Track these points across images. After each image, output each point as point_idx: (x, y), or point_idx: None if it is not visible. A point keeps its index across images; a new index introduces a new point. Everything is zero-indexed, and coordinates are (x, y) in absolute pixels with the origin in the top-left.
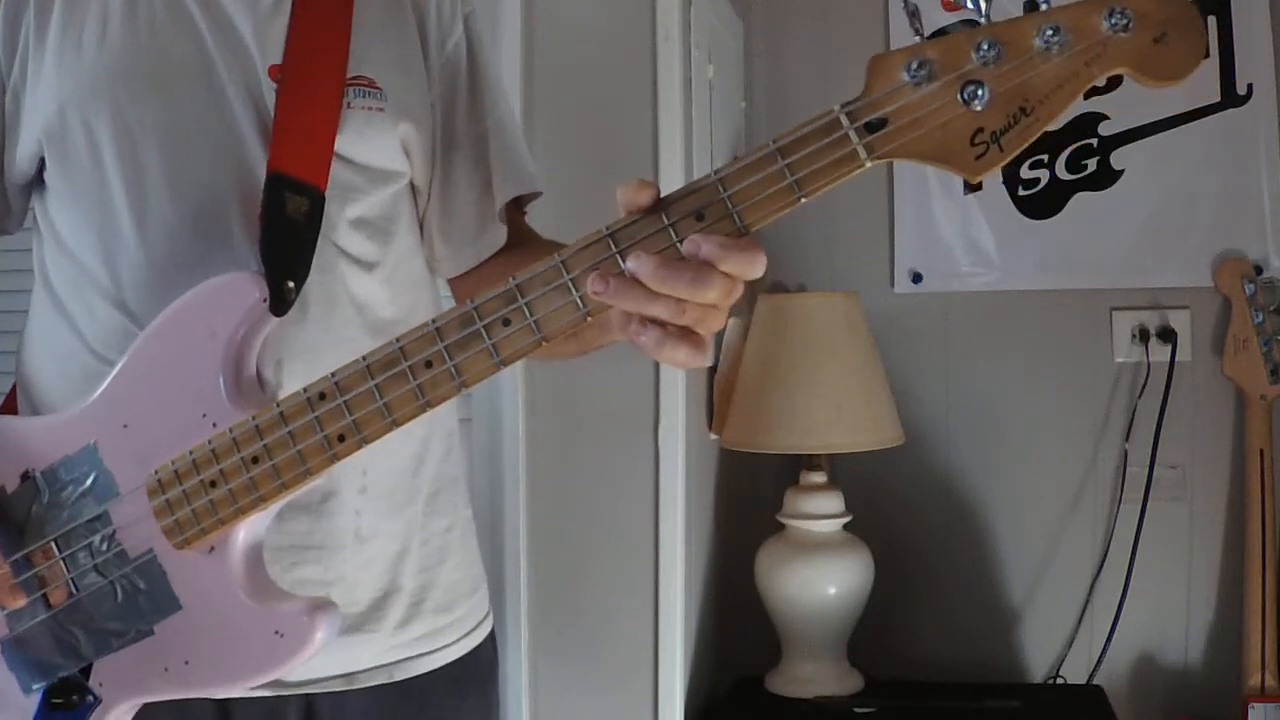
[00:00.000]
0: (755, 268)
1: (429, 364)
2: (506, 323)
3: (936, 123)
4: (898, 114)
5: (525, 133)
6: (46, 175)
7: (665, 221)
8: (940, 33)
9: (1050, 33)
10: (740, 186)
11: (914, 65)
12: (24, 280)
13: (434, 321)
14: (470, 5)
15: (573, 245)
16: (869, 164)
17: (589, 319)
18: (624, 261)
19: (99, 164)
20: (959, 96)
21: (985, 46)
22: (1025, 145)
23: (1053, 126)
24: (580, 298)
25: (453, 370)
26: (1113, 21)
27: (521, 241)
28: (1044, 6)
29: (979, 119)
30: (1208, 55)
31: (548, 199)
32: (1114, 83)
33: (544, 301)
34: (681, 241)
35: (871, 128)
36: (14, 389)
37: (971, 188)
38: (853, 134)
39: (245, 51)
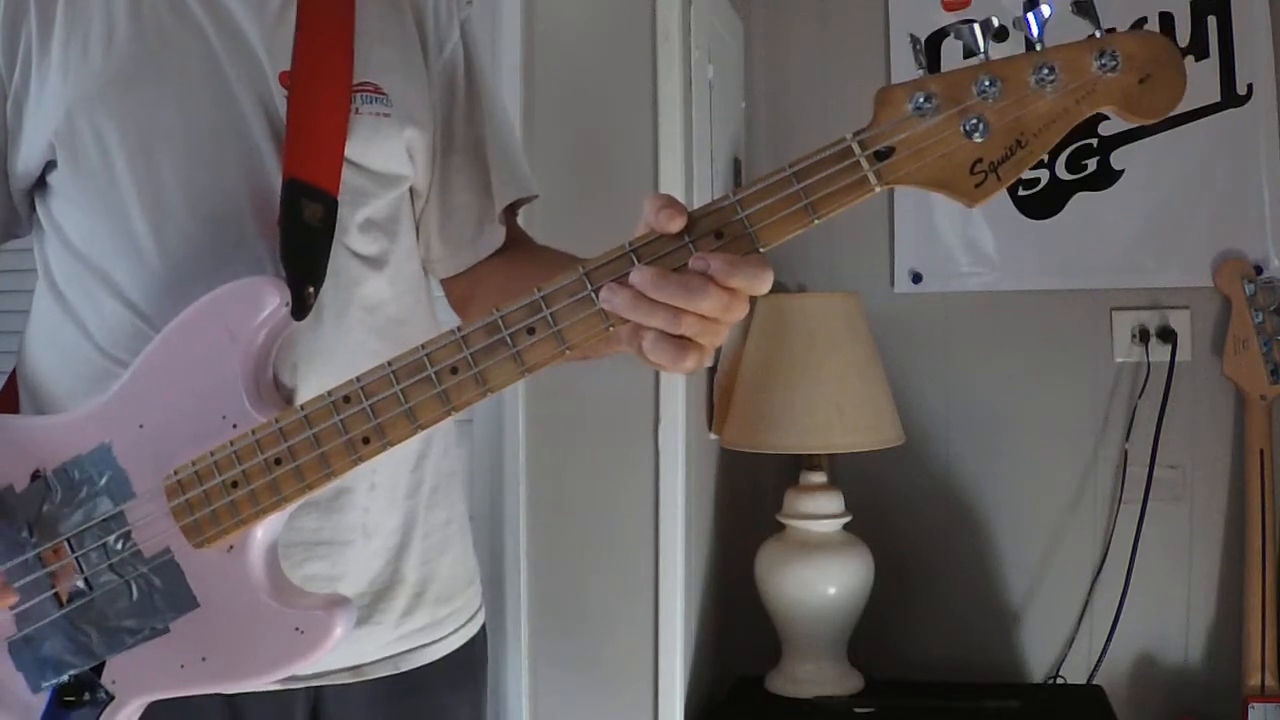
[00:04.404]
0: (762, 283)
1: (454, 370)
2: (531, 331)
3: (940, 152)
4: (904, 144)
5: (525, 133)
6: (52, 176)
7: (685, 239)
8: (940, 34)
9: (1045, 71)
10: (757, 208)
11: (920, 98)
12: (24, 280)
13: (459, 329)
14: (466, 10)
15: (597, 258)
16: (878, 189)
17: (611, 330)
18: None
19: (110, 168)
20: (961, 128)
21: (986, 83)
22: (1020, 175)
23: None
24: (604, 309)
25: (478, 376)
26: (1102, 62)
27: (515, 243)
28: (1039, 47)
29: (979, 150)
30: (1208, 56)
31: (548, 198)
32: None
33: (568, 312)
34: None
35: (880, 156)
36: (8, 387)
37: None
38: (864, 161)
39: (255, 58)
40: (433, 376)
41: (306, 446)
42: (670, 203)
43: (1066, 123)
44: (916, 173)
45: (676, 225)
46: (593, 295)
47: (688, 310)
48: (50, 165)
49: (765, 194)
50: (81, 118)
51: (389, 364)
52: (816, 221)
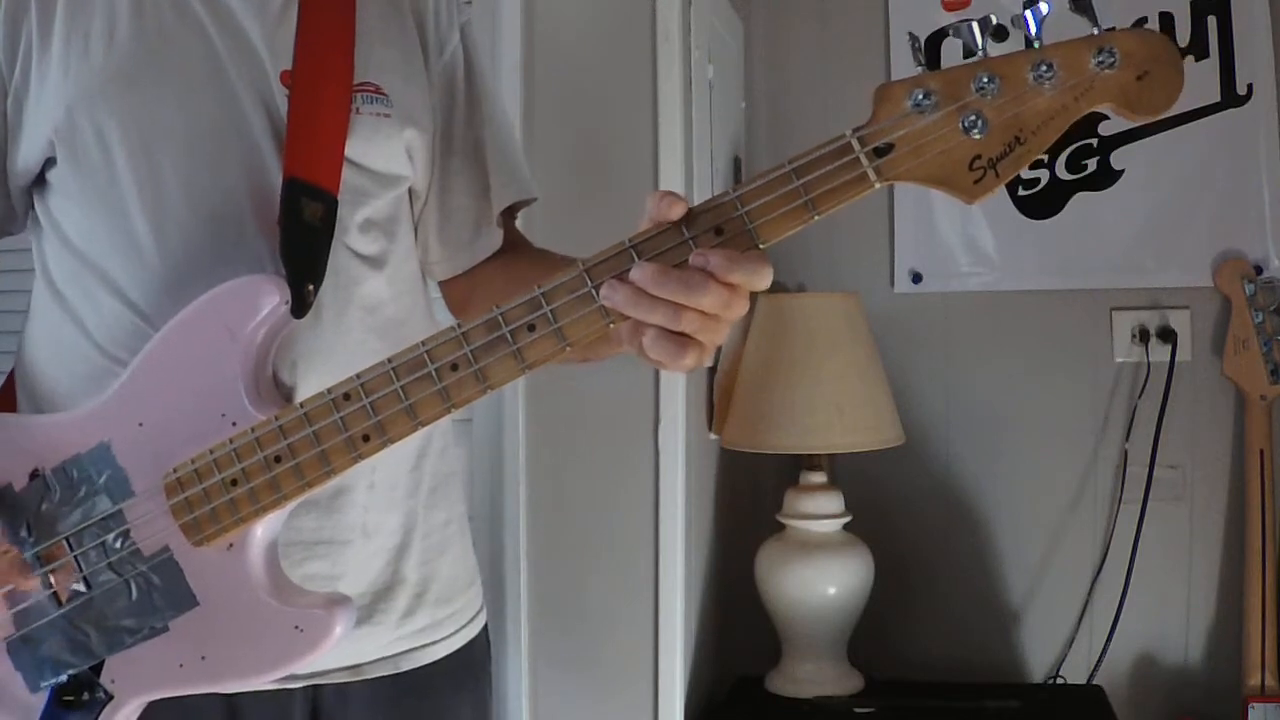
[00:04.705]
0: (762, 279)
1: (454, 367)
2: (531, 328)
3: (939, 149)
4: (903, 140)
5: (525, 132)
6: (51, 173)
7: (685, 235)
8: (940, 34)
9: (1044, 68)
10: (757, 204)
11: (919, 95)
12: (23, 281)
13: (459, 326)
14: (466, 15)
15: (597, 255)
16: (878, 185)
17: (611, 326)
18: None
19: (111, 165)
20: (960, 125)
21: (984, 79)
22: (1018, 172)
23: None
24: (605, 306)
25: (478, 374)
26: (1100, 59)
27: (513, 246)
28: (1037, 44)
29: (978, 146)
30: (1208, 56)
31: (548, 198)
32: None
33: (568, 309)
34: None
35: (880, 152)
36: (7, 386)
37: None
38: (863, 158)
39: (256, 57)
40: (433, 374)
41: (306, 444)
42: (672, 194)
43: (1065, 119)
44: (915, 169)
45: (678, 210)
46: (593, 292)
47: (688, 306)
48: (50, 162)
49: (764, 190)
50: (82, 115)
51: (389, 361)
52: (816, 218)
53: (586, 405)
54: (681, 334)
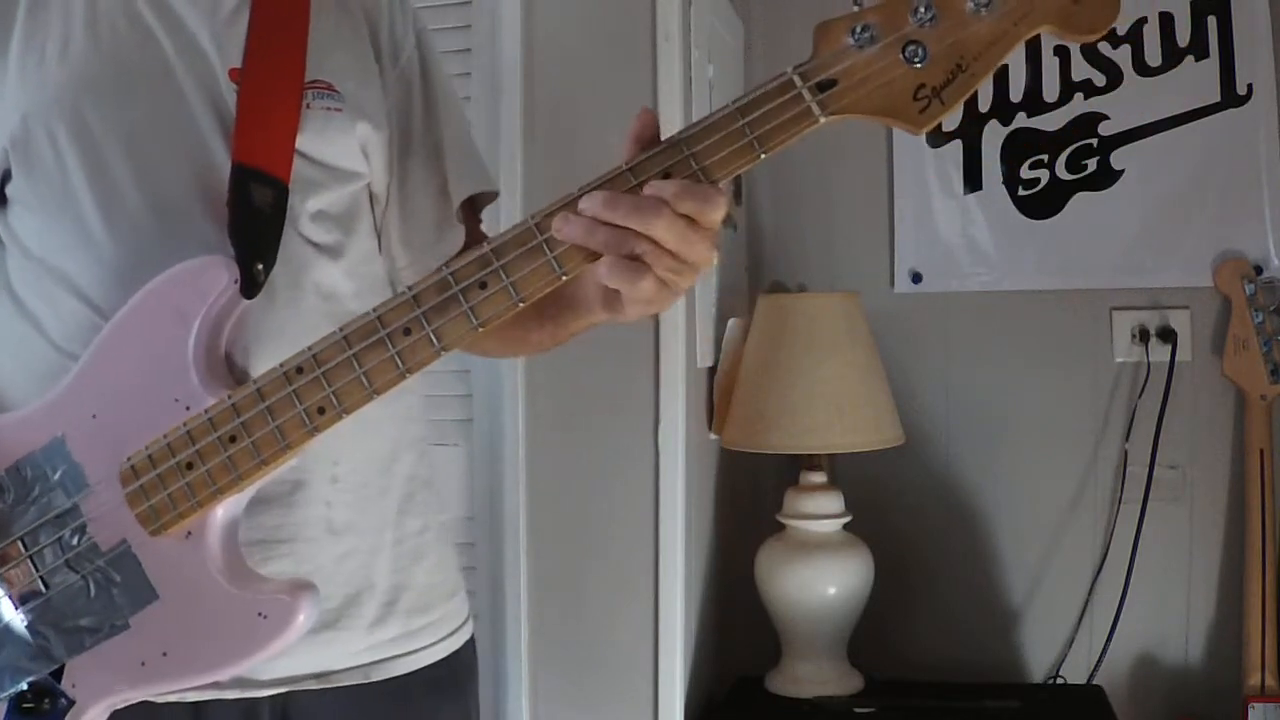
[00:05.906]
0: (713, 209)
1: (407, 331)
2: (483, 286)
3: (882, 80)
4: (846, 74)
5: (525, 133)
6: (10, 188)
7: (633, 181)
8: None
9: None
10: (703, 146)
11: (857, 29)
12: None
13: (410, 289)
14: (422, 23)
15: (545, 208)
16: (823, 120)
17: (564, 278)
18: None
19: (63, 168)
20: (900, 56)
21: (922, 10)
22: (964, 98)
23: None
24: (555, 258)
25: (431, 336)
26: None
27: (478, 245)
28: None
29: (920, 75)
30: (1208, 56)
31: (547, 199)
32: (1114, 83)
33: (519, 263)
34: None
35: (823, 87)
36: None
37: (971, 187)
38: (806, 93)
39: (204, 56)
40: (386, 339)
41: (260, 421)
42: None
43: (1007, 45)
44: (860, 102)
45: (646, 123)
46: (544, 245)
47: (641, 232)
48: (6, 176)
49: (710, 132)
50: (36, 122)
51: (340, 330)
52: (763, 156)
53: (586, 405)
54: (638, 260)
